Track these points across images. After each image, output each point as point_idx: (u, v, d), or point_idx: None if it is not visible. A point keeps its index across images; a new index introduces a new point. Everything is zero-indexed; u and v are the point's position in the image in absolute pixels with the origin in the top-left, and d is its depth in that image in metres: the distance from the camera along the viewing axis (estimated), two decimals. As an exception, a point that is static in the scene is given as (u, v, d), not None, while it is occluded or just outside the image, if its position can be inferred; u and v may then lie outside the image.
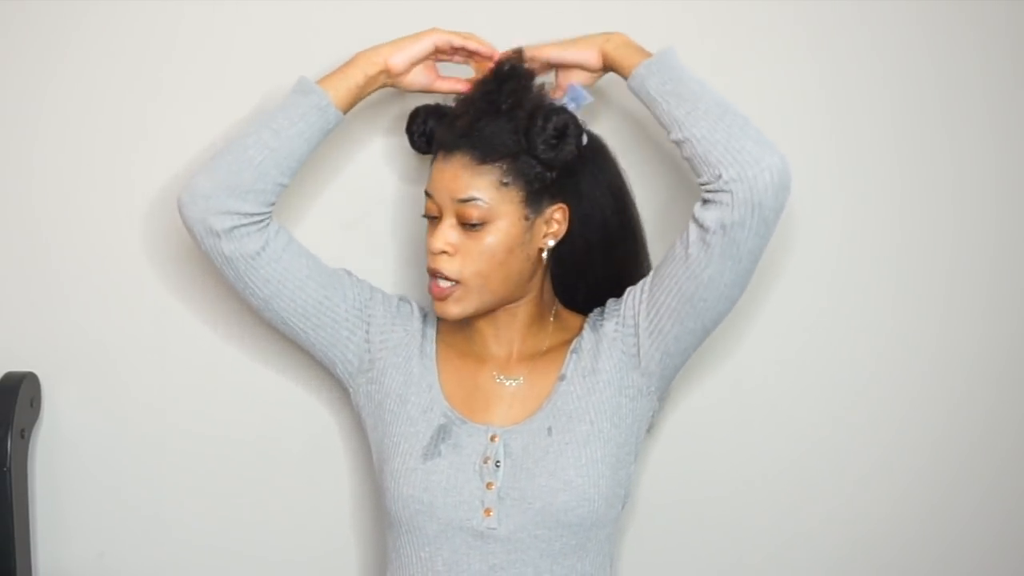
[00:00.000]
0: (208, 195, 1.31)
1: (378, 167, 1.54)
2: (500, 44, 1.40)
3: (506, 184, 1.32)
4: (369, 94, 1.40)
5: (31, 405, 1.51)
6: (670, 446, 1.60)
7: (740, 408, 1.61)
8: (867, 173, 1.58)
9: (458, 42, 1.39)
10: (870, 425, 1.62)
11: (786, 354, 1.60)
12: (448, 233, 1.33)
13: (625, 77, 1.36)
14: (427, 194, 1.35)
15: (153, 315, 1.55)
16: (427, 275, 1.35)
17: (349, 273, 1.43)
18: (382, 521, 1.42)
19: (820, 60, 1.56)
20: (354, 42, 1.50)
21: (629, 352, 1.37)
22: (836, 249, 1.59)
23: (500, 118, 1.32)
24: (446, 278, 1.33)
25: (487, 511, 1.31)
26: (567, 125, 1.32)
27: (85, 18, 1.50)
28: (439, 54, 1.40)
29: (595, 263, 1.41)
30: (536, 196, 1.34)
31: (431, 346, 1.42)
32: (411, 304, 1.45)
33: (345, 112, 1.37)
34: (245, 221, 1.32)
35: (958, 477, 1.64)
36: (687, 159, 1.30)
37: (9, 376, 1.50)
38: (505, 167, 1.31)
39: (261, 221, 1.33)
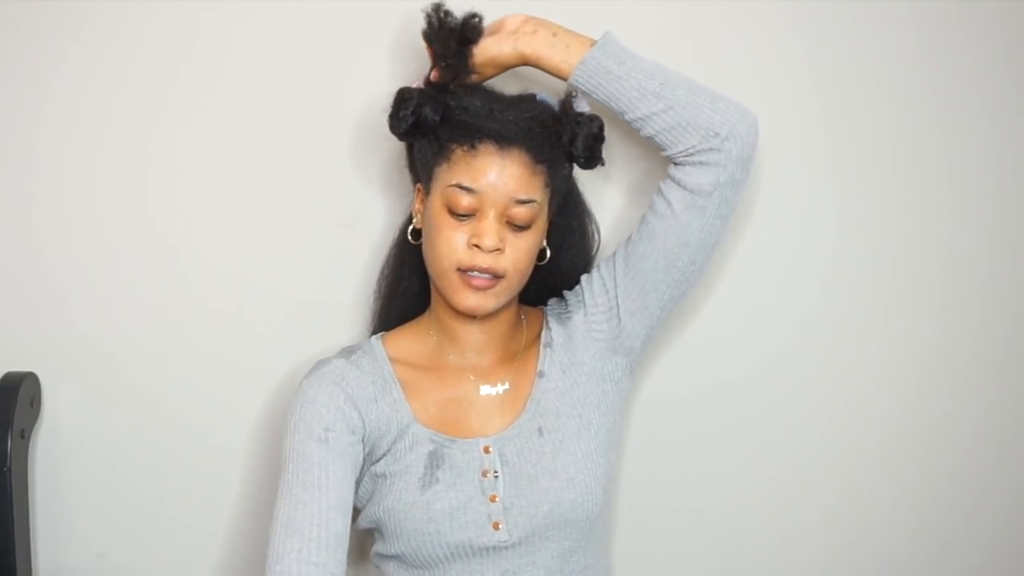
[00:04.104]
0: None
1: (377, 167, 1.53)
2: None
3: (547, 186, 1.31)
4: None
5: (31, 405, 1.51)
6: (667, 445, 1.61)
7: (735, 408, 1.61)
8: (862, 173, 1.58)
9: None
10: (865, 425, 1.62)
11: (782, 353, 1.61)
12: (500, 230, 1.27)
13: (560, 69, 1.31)
14: (464, 188, 1.27)
15: (152, 315, 1.55)
16: (452, 270, 1.29)
17: (340, 457, 1.29)
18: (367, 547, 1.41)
19: (813, 59, 1.55)
20: (352, 44, 1.50)
21: (606, 337, 1.37)
22: (831, 249, 1.59)
23: (540, 115, 1.29)
24: (495, 275, 1.29)
25: (495, 525, 1.29)
26: (602, 130, 1.32)
27: (89, 21, 1.49)
28: None
29: (563, 258, 1.42)
30: (557, 198, 1.35)
31: (395, 386, 1.35)
32: (352, 358, 1.36)
33: None
34: None
35: (954, 477, 1.64)
36: (662, 131, 1.29)
37: (9, 376, 1.49)
38: (548, 168, 1.30)
39: None
